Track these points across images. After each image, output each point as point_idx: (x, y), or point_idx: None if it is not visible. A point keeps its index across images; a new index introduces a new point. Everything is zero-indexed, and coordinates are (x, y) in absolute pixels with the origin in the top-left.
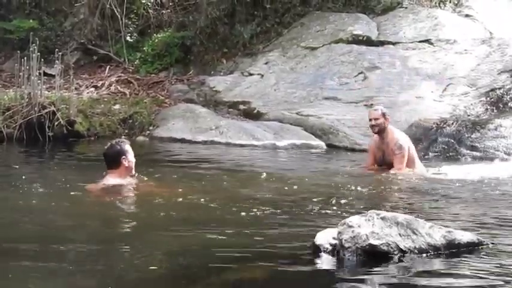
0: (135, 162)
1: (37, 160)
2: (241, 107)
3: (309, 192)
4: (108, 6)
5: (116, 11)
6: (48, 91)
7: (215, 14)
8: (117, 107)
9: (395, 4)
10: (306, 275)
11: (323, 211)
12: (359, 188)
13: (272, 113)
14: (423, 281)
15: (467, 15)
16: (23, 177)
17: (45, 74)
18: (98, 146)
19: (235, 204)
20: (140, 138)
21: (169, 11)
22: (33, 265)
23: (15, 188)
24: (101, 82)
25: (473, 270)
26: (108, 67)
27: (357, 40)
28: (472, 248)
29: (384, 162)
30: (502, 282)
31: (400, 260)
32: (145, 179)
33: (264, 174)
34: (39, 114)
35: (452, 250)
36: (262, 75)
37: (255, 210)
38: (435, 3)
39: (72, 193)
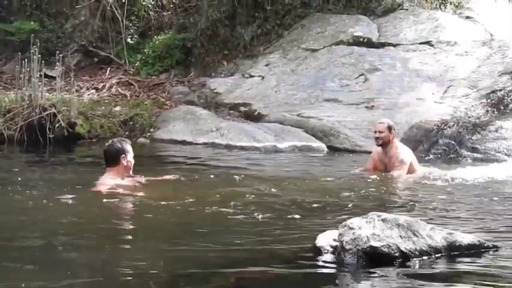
0: (135, 163)
1: (38, 162)
2: (242, 108)
3: (309, 194)
4: (108, 8)
5: (116, 13)
6: (49, 93)
7: (216, 16)
8: (117, 109)
9: (396, 6)
10: (307, 276)
11: (323, 213)
12: (359, 190)
13: (273, 114)
14: (424, 283)
15: (467, 17)
16: (24, 179)
17: (46, 76)
18: (98, 148)
19: (235, 207)
20: (141, 140)
21: (169, 12)
22: (33, 267)
23: (15, 189)
24: (101, 84)
25: (474, 273)
26: (108, 69)
27: (358, 42)
28: (473, 250)
29: None
30: (503, 285)
31: (400, 262)
32: (144, 179)
33: (242, 176)
34: (40, 116)
35: (453, 252)
36: (263, 77)
37: (255, 212)
38: (436, 5)
39: (71, 195)
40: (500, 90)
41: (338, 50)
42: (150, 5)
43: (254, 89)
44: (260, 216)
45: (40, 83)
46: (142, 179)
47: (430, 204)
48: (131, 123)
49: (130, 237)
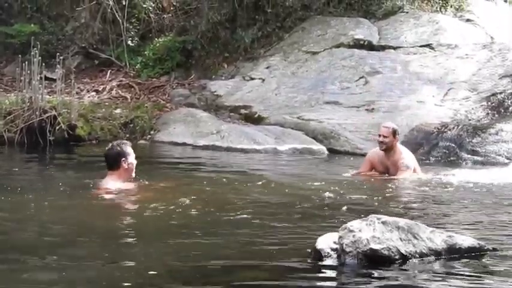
0: (136, 165)
1: (38, 164)
2: (243, 111)
3: (309, 196)
4: (109, 10)
5: (117, 16)
6: (50, 95)
7: (216, 18)
8: (118, 111)
9: (396, 9)
10: (307, 279)
11: (323, 216)
12: (359, 193)
13: (273, 117)
14: (424, 286)
15: (468, 20)
16: (24, 181)
17: (46, 78)
18: (98, 150)
19: (235, 209)
20: (141, 142)
21: (170, 15)
22: (32, 269)
23: (15, 191)
24: (102, 86)
25: (474, 276)
26: (109, 71)
27: (358, 44)
28: (473, 253)
29: None
30: (504, 287)
31: (401, 265)
32: (146, 182)
33: (242, 179)
34: (41, 118)
35: (454, 255)
36: (264, 80)
37: (255, 215)
38: (436, 8)
39: (71, 197)
40: (500, 93)
41: (338, 52)
42: (150, 8)
43: (254, 91)
44: (260, 219)
45: (40, 85)
46: (144, 183)
47: (430, 207)
48: (131, 125)
49: (129, 239)
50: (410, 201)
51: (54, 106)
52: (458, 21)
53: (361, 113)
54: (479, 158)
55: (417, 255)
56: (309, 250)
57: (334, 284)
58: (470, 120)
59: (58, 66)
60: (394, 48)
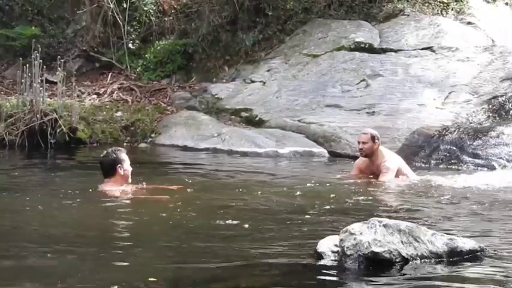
0: (137, 168)
1: (39, 167)
2: (243, 114)
3: (310, 199)
4: (110, 13)
5: (118, 18)
6: (50, 98)
7: (217, 21)
8: (119, 114)
9: (397, 11)
10: (308, 282)
11: (325, 219)
12: (359, 196)
13: (274, 120)
14: None
15: (469, 23)
16: (24, 183)
17: (47, 81)
18: (99, 153)
19: (235, 212)
20: (142, 145)
21: (171, 18)
22: (31, 271)
23: (15, 194)
24: (103, 89)
25: (475, 278)
26: (110, 74)
27: (359, 47)
28: (474, 255)
29: None
30: None
31: (402, 268)
32: (144, 186)
33: (242, 182)
34: (41, 121)
35: (455, 258)
36: (264, 83)
37: (256, 218)
38: (437, 10)
39: (71, 201)
40: (501, 96)
41: (339, 55)
42: (151, 11)
43: (255, 94)
44: (260, 222)
45: (41, 88)
46: (143, 186)
47: (431, 209)
48: (132, 128)
49: (126, 244)
50: (411, 204)
51: (55, 109)
52: (459, 24)
53: (362, 116)
54: (480, 161)
55: (418, 258)
56: (310, 253)
57: (335, 287)
58: (471, 123)
59: (59, 69)
60: (395, 51)
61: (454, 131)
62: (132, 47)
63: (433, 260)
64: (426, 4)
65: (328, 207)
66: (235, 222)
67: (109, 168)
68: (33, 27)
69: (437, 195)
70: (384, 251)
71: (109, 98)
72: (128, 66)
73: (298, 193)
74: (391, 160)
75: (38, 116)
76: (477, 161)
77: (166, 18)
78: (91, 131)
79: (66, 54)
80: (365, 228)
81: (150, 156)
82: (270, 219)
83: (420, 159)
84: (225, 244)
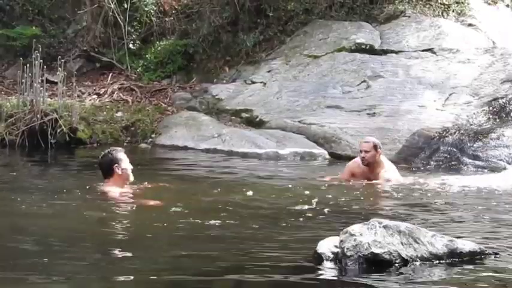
0: (137, 168)
1: (38, 167)
2: (244, 115)
3: (310, 200)
4: (111, 13)
5: (118, 19)
6: (51, 98)
7: (218, 22)
8: (119, 114)
9: (398, 13)
10: (308, 283)
11: (324, 219)
12: (359, 197)
13: (274, 121)
14: None
15: (470, 25)
16: (24, 183)
17: (47, 81)
18: (99, 153)
19: (235, 213)
20: (142, 145)
21: (172, 18)
22: (30, 272)
23: (15, 194)
24: (103, 89)
25: (474, 280)
26: (110, 74)
27: (360, 49)
28: (474, 257)
29: None
30: None
31: (402, 269)
32: (145, 186)
33: (243, 183)
34: (42, 121)
35: (454, 259)
36: (265, 84)
37: (256, 219)
38: (438, 12)
39: (71, 201)
40: (502, 97)
41: (340, 56)
42: (152, 11)
43: (256, 95)
44: (260, 223)
45: (42, 88)
46: (145, 186)
47: (431, 211)
48: (133, 128)
49: (126, 244)
50: (411, 206)
51: (56, 109)
52: (460, 26)
53: (363, 117)
54: (480, 163)
55: (418, 260)
56: (310, 254)
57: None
58: (471, 125)
59: (59, 69)
60: (396, 52)
61: (455, 132)
62: (132, 48)
63: (433, 261)
64: (427, 6)
65: (328, 208)
66: (234, 223)
67: (107, 169)
68: (33, 27)
69: (436, 197)
70: (384, 252)
71: (109, 98)
72: (129, 67)
73: (298, 194)
74: (391, 171)
75: (38, 116)
76: (477, 162)
77: (167, 19)
78: (91, 131)
79: (67, 54)
80: (365, 229)
81: (151, 157)
82: (269, 220)
83: (420, 161)
84: (224, 245)
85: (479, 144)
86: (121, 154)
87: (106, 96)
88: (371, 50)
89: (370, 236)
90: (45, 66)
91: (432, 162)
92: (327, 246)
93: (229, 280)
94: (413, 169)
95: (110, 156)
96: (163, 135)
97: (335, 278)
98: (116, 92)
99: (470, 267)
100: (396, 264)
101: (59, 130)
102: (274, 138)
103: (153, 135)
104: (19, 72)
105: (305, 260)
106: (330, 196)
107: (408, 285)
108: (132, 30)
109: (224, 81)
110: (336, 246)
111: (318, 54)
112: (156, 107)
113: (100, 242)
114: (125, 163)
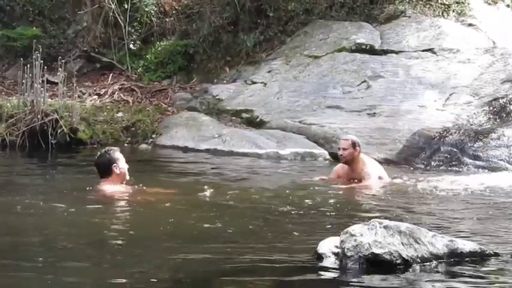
0: (137, 168)
1: (39, 168)
2: (244, 115)
3: (310, 201)
4: (111, 14)
5: (119, 19)
6: (51, 99)
7: (218, 22)
8: (120, 114)
9: (398, 13)
10: (309, 283)
11: (324, 220)
12: (358, 198)
13: (275, 121)
14: None
15: (470, 25)
16: (24, 184)
17: (48, 81)
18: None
19: (235, 214)
20: (143, 146)
21: (172, 19)
22: (30, 273)
23: (15, 194)
24: (103, 90)
25: (475, 280)
26: (111, 75)
27: (360, 49)
28: (474, 257)
29: None
30: None
31: (402, 269)
32: (143, 187)
33: (243, 183)
34: (42, 121)
35: (455, 259)
36: (265, 84)
37: (256, 219)
38: (438, 12)
39: (71, 201)
40: (502, 97)
41: (340, 56)
42: (152, 11)
43: (256, 95)
44: (260, 223)
45: (42, 88)
46: (141, 187)
47: (431, 211)
48: (133, 129)
49: (127, 244)
50: (411, 206)
51: (56, 109)
52: (460, 26)
53: (363, 117)
54: (480, 163)
55: (419, 260)
56: (310, 254)
57: None
58: (472, 125)
59: (60, 69)
60: (396, 52)
61: (455, 132)
62: (133, 48)
63: (434, 261)
64: (427, 6)
65: (327, 208)
66: (234, 223)
67: (105, 169)
68: (34, 28)
69: (437, 197)
70: (384, 253)
71: (110, 99)
72: (129, 67)
73: (298, 194)
74: (372, 167)
75: (38, 116)
76: (478, 162)
77: (167, 19)
78: (92, 131)
79: (67, 54)
80: (365, 229)
81: (151, 157)
82: (269, 220)
83: (421, 161)
84: (224, 245)
85: (479, 144)
86: (118, 154)
87: (106, 96)
88: (371, 50)
89: (370, 237)
90: (45, 67)
91: (432, 163)
92: (327, 246)
93: (229, 280)
94: (414, 169)
95: (107, 156)
96: (164, 136)
97: (335, 278)
98: (116, 93)
99: (470, 267)
100: (396, 265)
101: (59, 130)
102: (275, 139)
103: (153, 136)
104: (19, 72)
105: (305, 261)
106: (330, 196)
107: (408, 285)
108: (133, 30)
109: (224, 82)
110: (336, 247)
111: (318, 54)
112: (156, 107)
113: (100, 242)
114: (122, 162)
